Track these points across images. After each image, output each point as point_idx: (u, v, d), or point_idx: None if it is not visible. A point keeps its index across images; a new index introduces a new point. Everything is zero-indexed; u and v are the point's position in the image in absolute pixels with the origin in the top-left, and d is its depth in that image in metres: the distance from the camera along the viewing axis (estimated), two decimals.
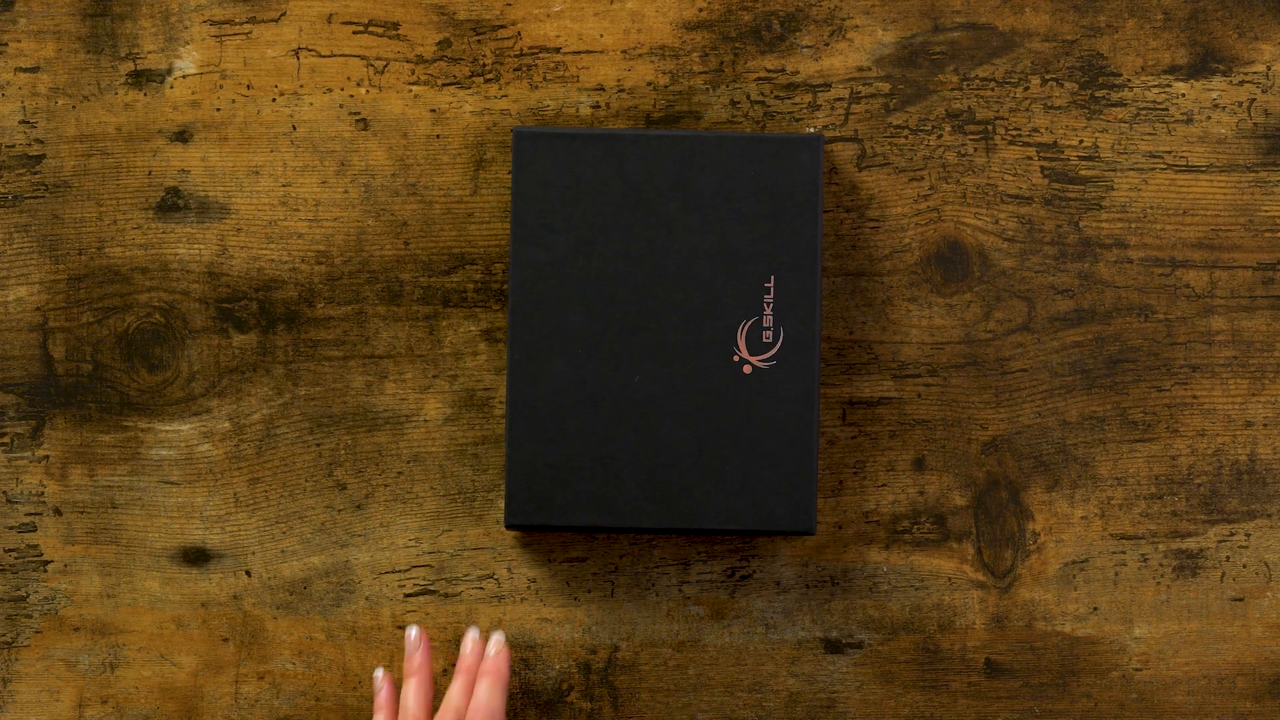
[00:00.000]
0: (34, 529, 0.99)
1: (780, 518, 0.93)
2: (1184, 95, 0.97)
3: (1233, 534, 0.98)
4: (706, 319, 0.94)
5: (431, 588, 0.99)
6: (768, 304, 0.93)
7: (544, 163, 0.94)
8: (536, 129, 0.94)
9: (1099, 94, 0.97)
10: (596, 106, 0.98)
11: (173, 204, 0.99)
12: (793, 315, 0.93)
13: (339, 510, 0.99)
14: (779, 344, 0.93)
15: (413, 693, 0.93)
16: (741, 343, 0.93)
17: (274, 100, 0.99)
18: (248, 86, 0.99)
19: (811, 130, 0.96)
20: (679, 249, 0.94)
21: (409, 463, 0.99)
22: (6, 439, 0.99)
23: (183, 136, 0.99)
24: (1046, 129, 0.98)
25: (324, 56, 0.99)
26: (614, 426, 0.94)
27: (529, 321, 0.94)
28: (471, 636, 0.94)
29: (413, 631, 0.94)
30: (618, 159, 0.94)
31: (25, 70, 0.99)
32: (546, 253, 0.94)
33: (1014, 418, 0.98)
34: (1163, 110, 0.97)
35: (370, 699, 0.99)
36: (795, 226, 0.93)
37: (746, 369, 0.93)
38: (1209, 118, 0.97)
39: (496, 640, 0.93)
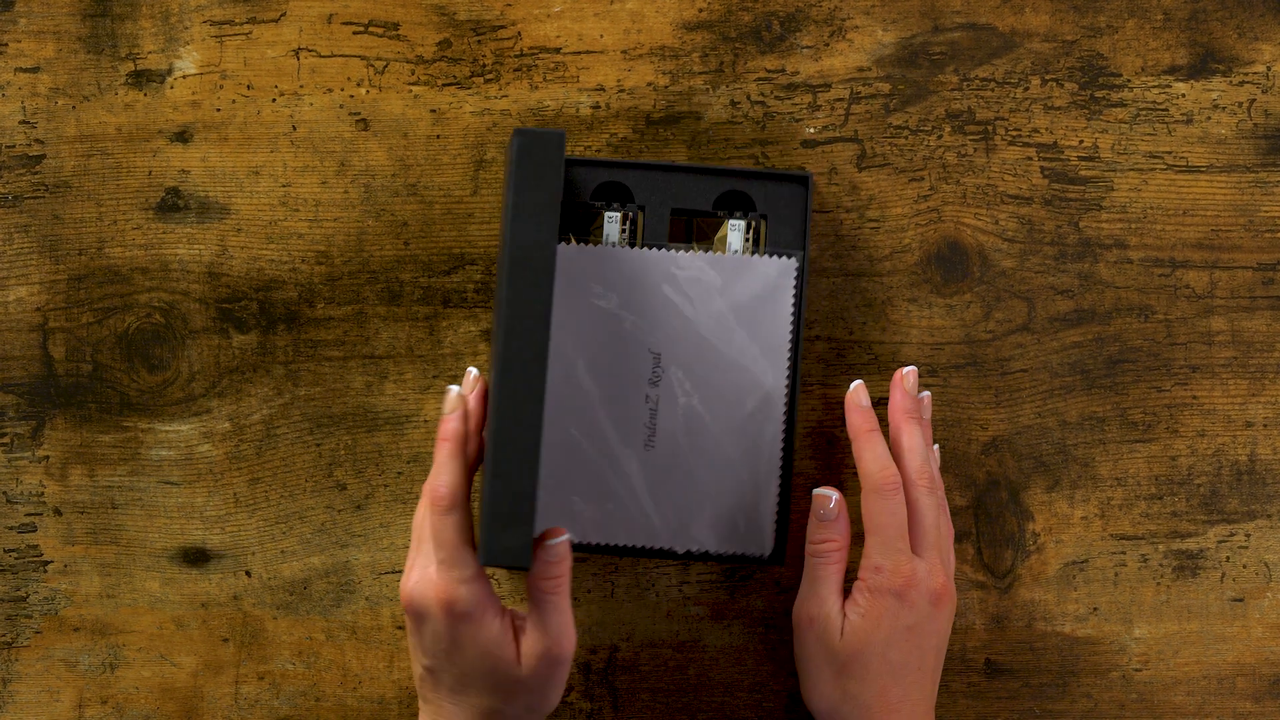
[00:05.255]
0: (34, 529, 0.99)
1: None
2: (1184, 95, 0.97)
3: (1233, 534, 0.98)
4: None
5: None
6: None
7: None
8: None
9: (1099, 94, 0.97)
10: (596, 107, 0.98)
11: (173, 204, 0.99)
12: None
13: (339, 510, 0.99)
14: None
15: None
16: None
17: (274, 100, 0.99)
18: (248, 87, 0.99)
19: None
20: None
21: (409, 463, 0.99)
22: (6, 439, 0.99)
23: (183, 137, 0.99)
24: (1046, 129, 0.98)
25: (324, 57, 0.99)
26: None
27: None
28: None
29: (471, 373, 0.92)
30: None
31: (25, 70, 0.99)
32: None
33: (1014, 418, 0.98)
34: (1163, 111, 0.97)
35: (369, 699, 0.99)
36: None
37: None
38: (1209, 118, 0.97)
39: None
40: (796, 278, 0.94)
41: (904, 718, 0.89)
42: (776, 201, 0.94)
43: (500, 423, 0.81)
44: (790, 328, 0.94)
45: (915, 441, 0.93)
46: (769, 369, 0.94)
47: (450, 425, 0.87)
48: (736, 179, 0.94)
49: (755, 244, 0.94)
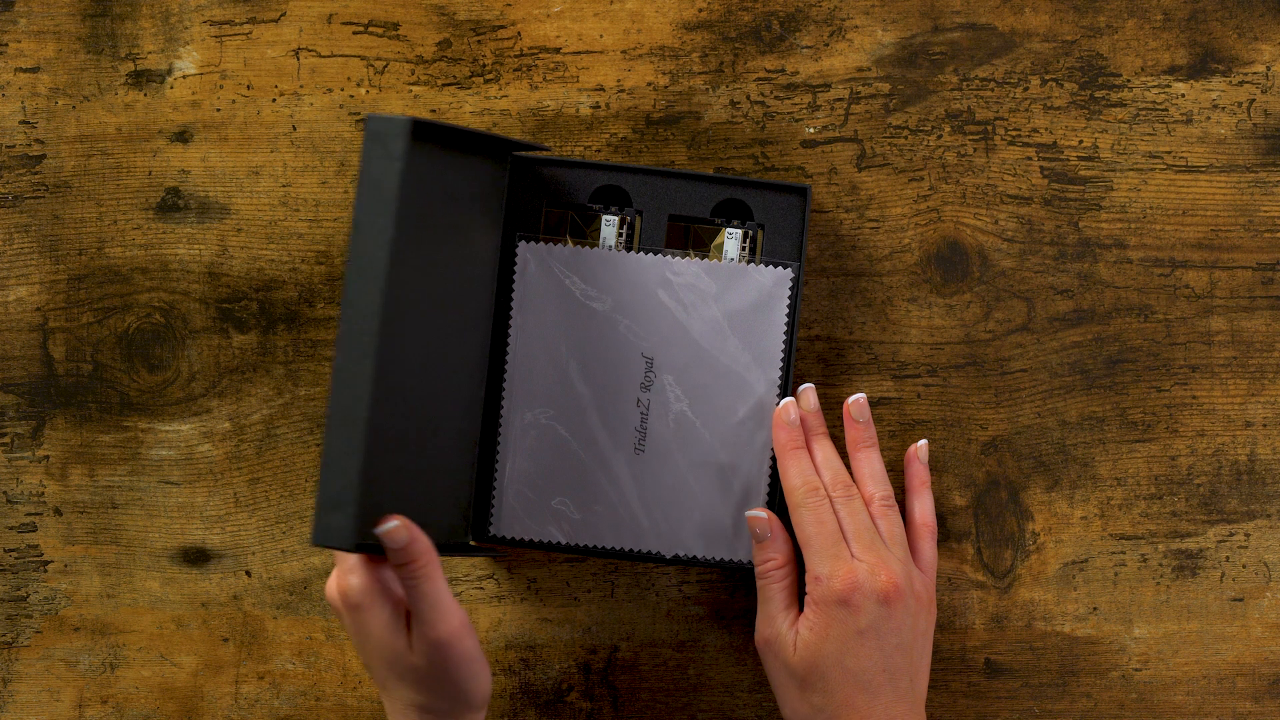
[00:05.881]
0: (34, 529, 0.99)
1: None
2: (1184, 95, 0.97)
3: (1232, 534, 0.98)
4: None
5: None
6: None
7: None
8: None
9: (1099, 94, 0.97)
10: (596, 107, 0.98)
11: (173, 204, 0.99)
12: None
13: None
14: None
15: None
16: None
17: (274, 100, 0.99)
18: (248, 87, 0.99)
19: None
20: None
21: None
22: (6, 439, 0.99)
23: (183, 137, 0.99)
24: (1046, 129, 0.97)
25: (324, 57, 0.99)
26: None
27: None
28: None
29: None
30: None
31: (25, 70, 0.99)
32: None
33: (1014, 418, 0.98)
34: (1162, 111, 0.97)
35: (370, 699, 0.99)
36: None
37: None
38: (1208, 118, 0.97)
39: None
40: (791, 288, 0.94)
41: None
42: (775, 211, 0.94)
43: (332, 411, 0.81)
44: (784, 337, 0.94)
45: (824, 456, 0.93)
46: (761, 377, 0.94)
47: None
48: (735, 187, 0.94)
49: (752, 253, 0.94)
